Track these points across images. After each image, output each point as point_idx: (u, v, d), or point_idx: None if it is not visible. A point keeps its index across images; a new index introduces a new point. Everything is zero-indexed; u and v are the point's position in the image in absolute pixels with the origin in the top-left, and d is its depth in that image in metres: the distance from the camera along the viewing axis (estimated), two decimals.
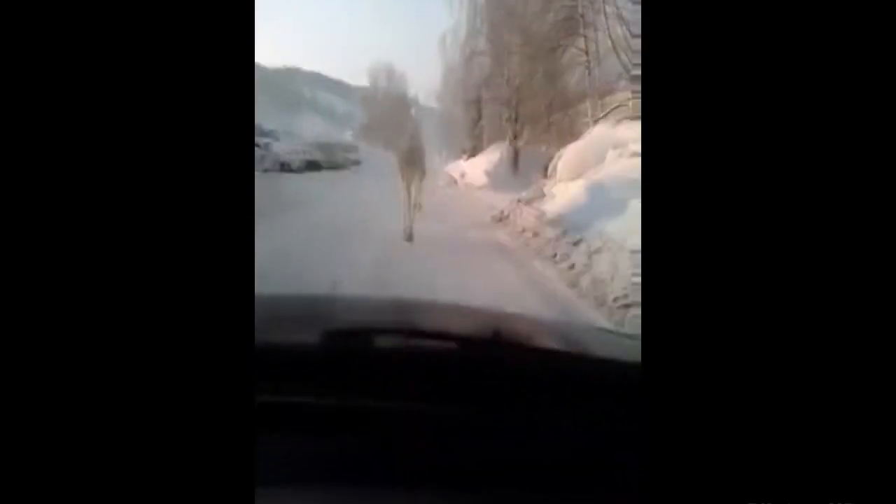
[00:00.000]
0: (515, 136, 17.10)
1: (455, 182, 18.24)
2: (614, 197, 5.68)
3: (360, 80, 47.35)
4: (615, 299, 3.92)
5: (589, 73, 13.52)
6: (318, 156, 20.93)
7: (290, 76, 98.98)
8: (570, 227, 5.89)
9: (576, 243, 5.41)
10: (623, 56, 11.65)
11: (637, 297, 3.53)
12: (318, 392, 0.67)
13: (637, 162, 5.35)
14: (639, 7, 8.22)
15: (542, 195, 8.37)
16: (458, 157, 26.68)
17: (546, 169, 10.43)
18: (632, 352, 0.73)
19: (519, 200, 8.67)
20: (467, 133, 25.61)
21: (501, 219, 8.53)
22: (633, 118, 9.20)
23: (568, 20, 14.07)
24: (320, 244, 5.77)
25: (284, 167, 16.59)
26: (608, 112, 11.86)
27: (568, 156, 9.00)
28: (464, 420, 0.68)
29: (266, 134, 18.85)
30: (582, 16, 13.50)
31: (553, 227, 6.31)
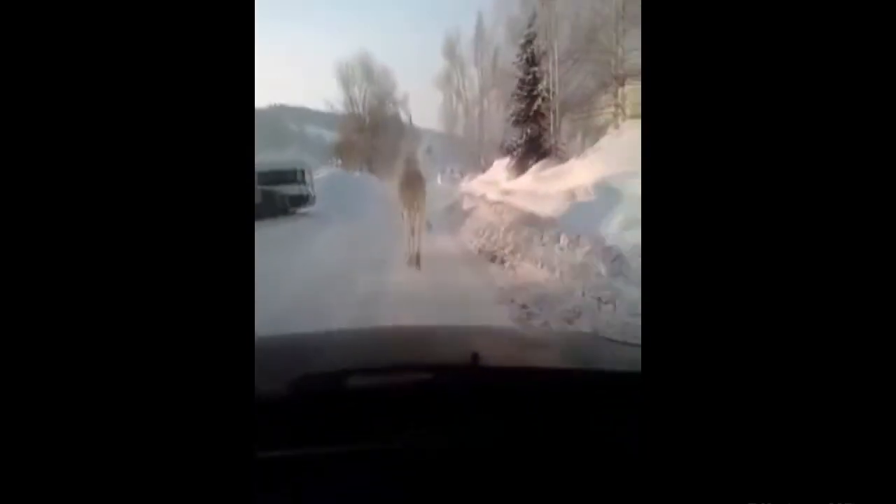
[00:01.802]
0: None
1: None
2: None
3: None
4: None
5: None
6: None
7: (276, 114, 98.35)
8: None
9: None
10: None
11: None
12: (293, 441, 0.67)
13: None
14: None
15: None
16: (477, 169, 14.33)
17: None
18: (629, 362, 0.78)
19: None
20: (506, 113, 13.25)
21: None
22: None
23: None
24: None
25: None
26: None
27: None
28: (451, 451, 0.68)
29: None
30: None
31: None
